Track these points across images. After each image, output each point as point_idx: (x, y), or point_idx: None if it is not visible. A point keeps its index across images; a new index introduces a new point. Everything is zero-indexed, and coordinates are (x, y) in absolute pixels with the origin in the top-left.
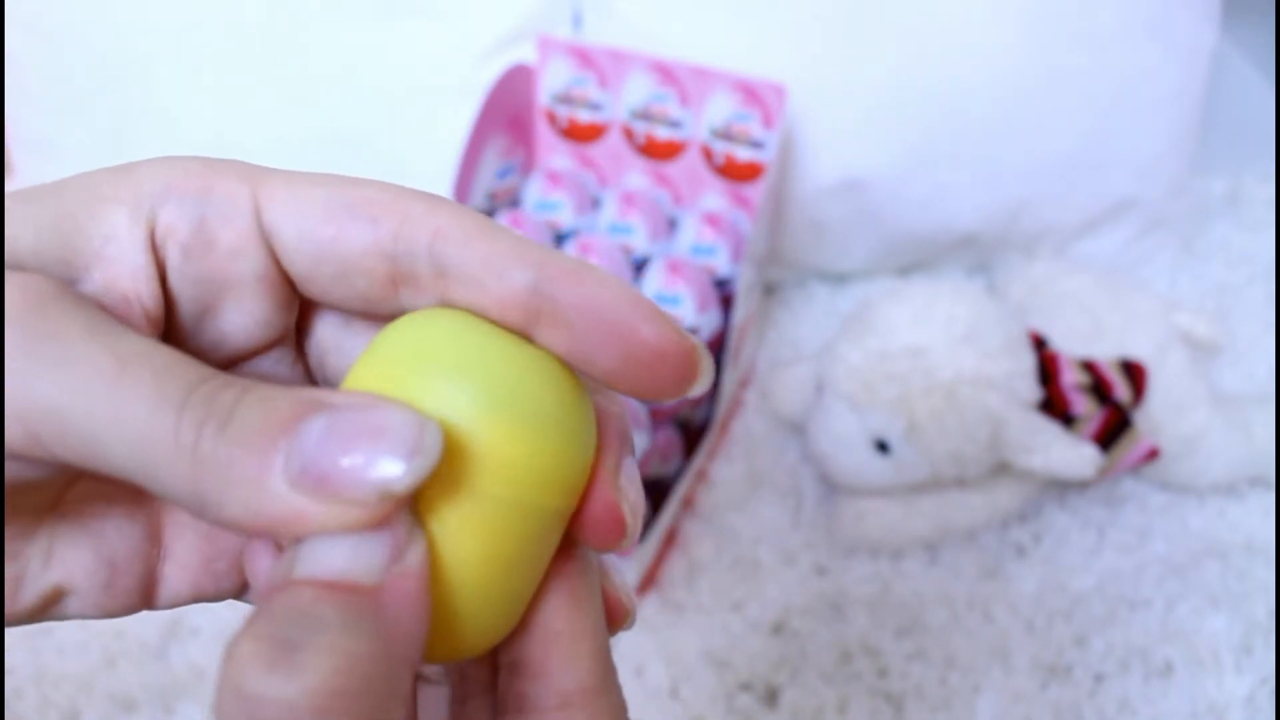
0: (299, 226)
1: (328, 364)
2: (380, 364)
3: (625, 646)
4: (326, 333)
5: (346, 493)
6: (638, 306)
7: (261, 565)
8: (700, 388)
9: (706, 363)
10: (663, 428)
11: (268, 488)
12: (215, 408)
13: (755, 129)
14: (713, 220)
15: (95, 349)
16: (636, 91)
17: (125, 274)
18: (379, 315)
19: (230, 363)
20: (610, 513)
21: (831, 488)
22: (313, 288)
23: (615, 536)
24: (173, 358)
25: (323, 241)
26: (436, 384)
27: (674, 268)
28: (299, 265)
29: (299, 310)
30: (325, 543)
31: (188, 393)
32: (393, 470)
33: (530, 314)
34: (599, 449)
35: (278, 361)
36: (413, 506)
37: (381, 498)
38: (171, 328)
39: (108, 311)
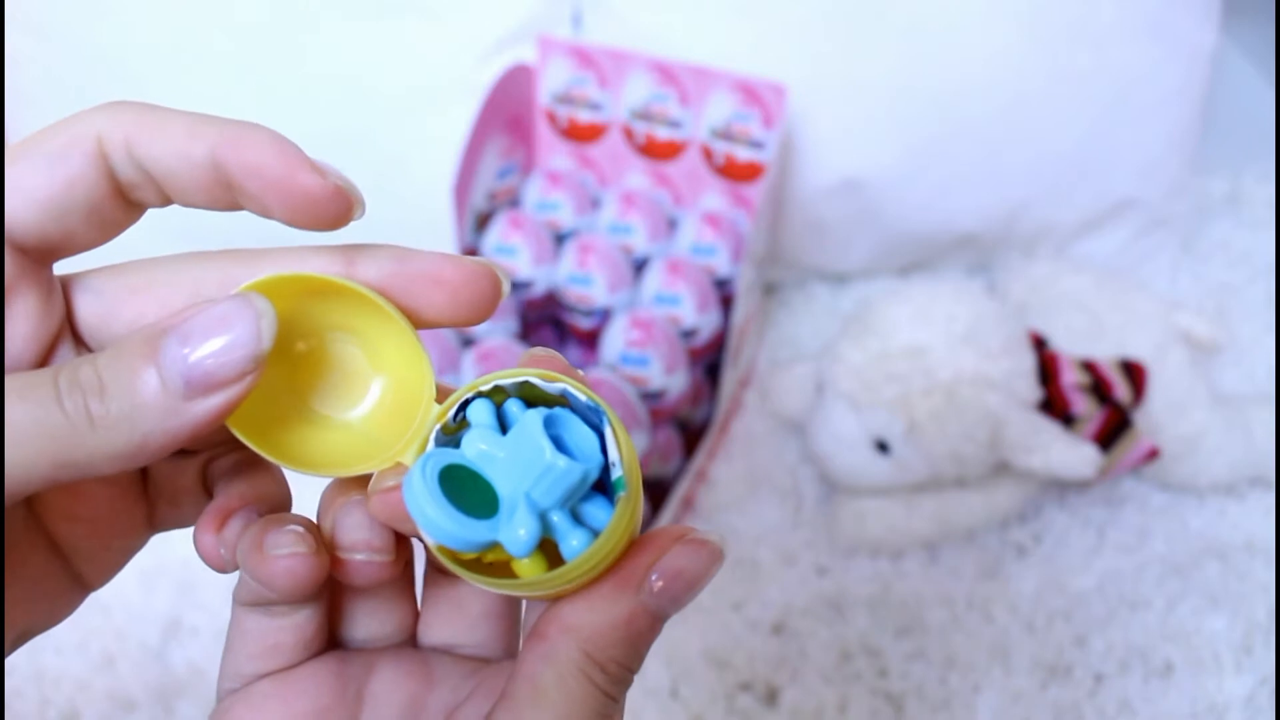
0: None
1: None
2: None
3: None
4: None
5: (231, 374)
6: (291, 158)
7: (206, 542)
8: (357, 215)
9: (357, 196)
10: (663, 428)
11: (174, 417)
12: (86, 386)
13: (755, 129)
14: (713, 220)
15: None
16: (636, 91)
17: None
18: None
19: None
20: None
21: (831, 488)
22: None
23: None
24: (20, 377)
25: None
26: None
27: (674, 268)
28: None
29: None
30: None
31: (55, 388)
32: (252, 339)
33: (220, 187)
34: None
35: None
36: None
37: (257, 362)
38: None
39: None
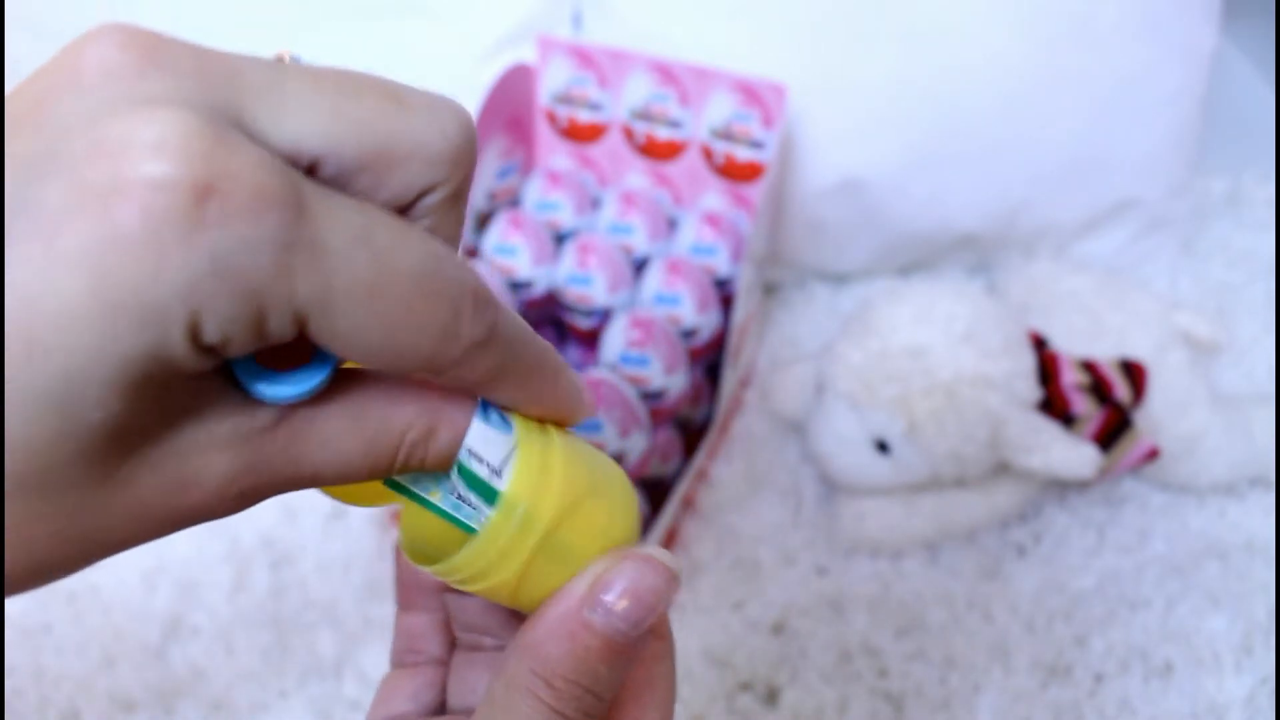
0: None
1: None
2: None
3: None
4: None
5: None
6: None
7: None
8: None
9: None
10: (663, 428)
11: None
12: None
13: (755, 129)
14: (713, 220)
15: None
16: (636, 91)
17: None
18: None
19: None
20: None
21: (831, 488)
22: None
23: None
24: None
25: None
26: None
27: (674, 268)
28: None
29: None
30: None
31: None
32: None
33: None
34: None
35: None
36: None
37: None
38: None
39: None
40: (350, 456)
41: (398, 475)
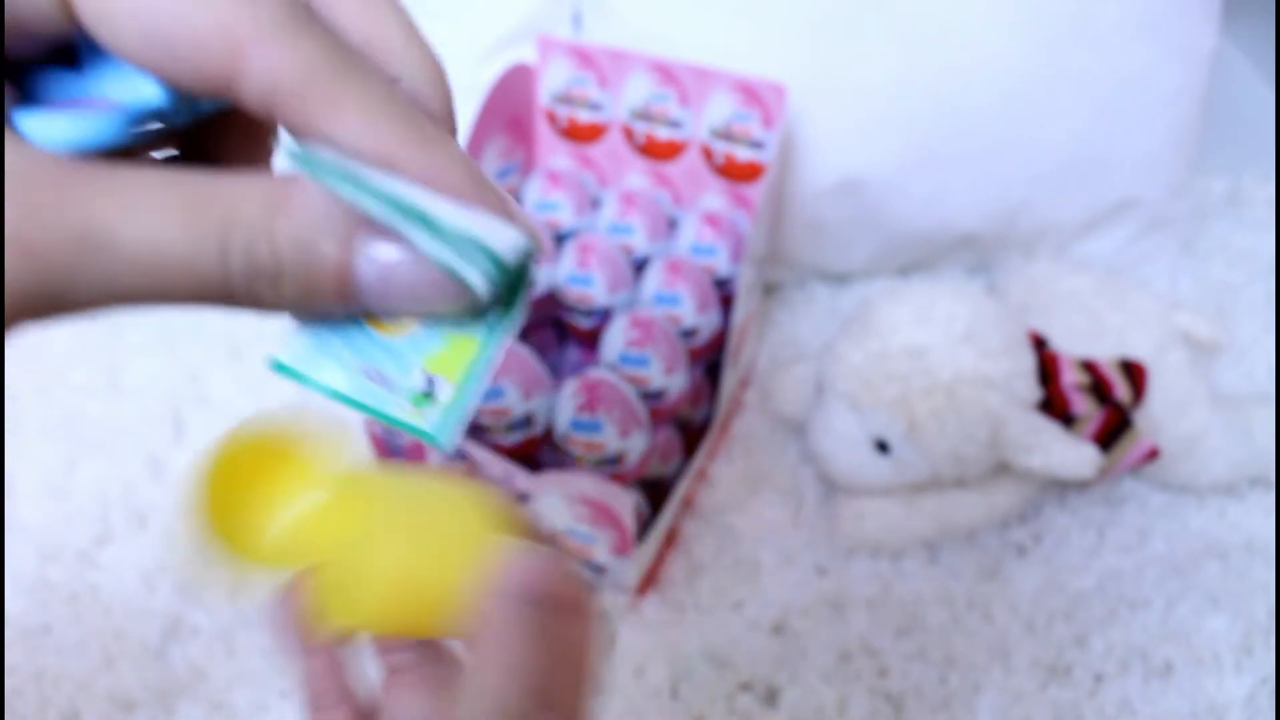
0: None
1: None
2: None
3: (625, 646)
4: None
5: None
6: None
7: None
8: None
9: None
10: (663, 428)
11: (339, 307)
12: (260, 268)
13: (755, 129)
14: (713, 220)
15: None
16: (636, 91)
17: None
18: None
19: None
20: None
21: (831, 488)
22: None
23: None
24: (188, 207)
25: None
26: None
27: (674, 268)
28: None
29: None
30: None
31: (221, 255)
32: (455, 299)
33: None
34: None
35: None
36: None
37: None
38: None
39: None
40: (166, 229)
41: (238, 287)
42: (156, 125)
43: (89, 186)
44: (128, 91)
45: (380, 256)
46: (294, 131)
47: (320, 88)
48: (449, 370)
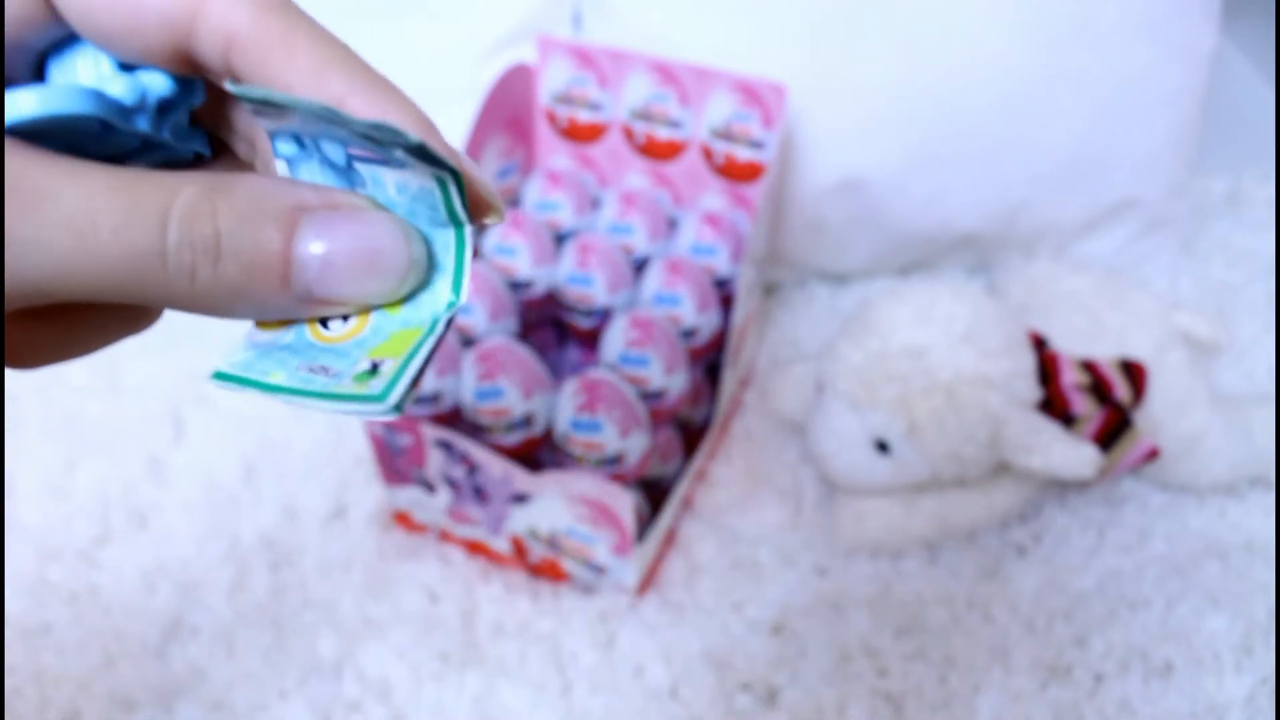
0: None
1: None
2: None
3: (625, 646)
4: None
5: (358, 299)
6: None
7: None
8: None
9: None
10: (663, 428)
11: (277, 305)
12: (200, 246)
13: (755, 129)
14: (713, 220)
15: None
16: (636, 91)
17: None
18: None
19: None
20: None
21: (831, 488)
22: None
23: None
24: (126, 189)
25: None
26: None
27: (674, 268)
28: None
29: None
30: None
31: (160, 231)
32: (397, 275)
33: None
34: None
35: None
36: None
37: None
38: None
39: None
40: (107, 196)
41: (177, 265)
42: (173, 114)
43: (43, 159)
44: (132, 89)
45: (322, 233)
46: (250, 81)
47: (274, 36)
48: (394, 353)
